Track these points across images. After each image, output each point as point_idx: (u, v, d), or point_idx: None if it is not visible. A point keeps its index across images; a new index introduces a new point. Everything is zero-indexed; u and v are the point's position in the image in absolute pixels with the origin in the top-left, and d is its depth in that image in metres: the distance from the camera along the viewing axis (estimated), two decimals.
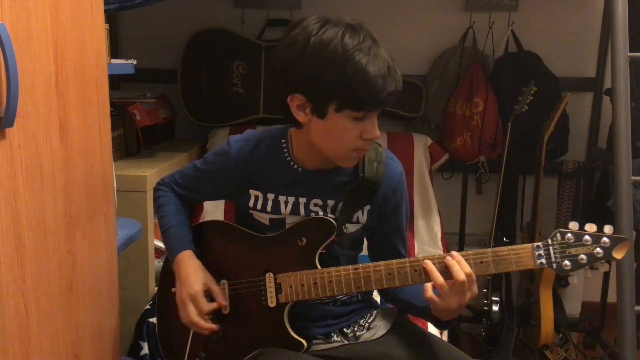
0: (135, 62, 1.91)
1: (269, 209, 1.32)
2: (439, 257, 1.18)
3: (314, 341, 1.35)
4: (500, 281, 2.50)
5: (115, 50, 2.76)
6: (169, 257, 1.37)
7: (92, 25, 1.22)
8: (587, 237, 1.14)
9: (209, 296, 1.31)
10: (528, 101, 2.37)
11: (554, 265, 1.15)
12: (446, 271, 1.16)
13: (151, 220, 1.98)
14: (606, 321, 2.68)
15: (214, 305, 1.30)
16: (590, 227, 1.16)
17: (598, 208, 2.61)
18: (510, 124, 2.41)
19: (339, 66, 1.11)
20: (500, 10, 2.64)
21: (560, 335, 2.48)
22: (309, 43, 1.13)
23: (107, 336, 1.36)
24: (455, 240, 2.72)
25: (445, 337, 1.95)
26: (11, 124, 0.90)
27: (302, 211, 1.31)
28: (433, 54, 2.74)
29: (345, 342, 1.36)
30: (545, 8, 2.67)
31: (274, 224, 1.33)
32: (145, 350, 1.84)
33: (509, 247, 1.17)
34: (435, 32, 2.73)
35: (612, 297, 2.56)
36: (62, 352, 1.13)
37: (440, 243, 2.48)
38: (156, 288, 2.02)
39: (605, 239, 1.14)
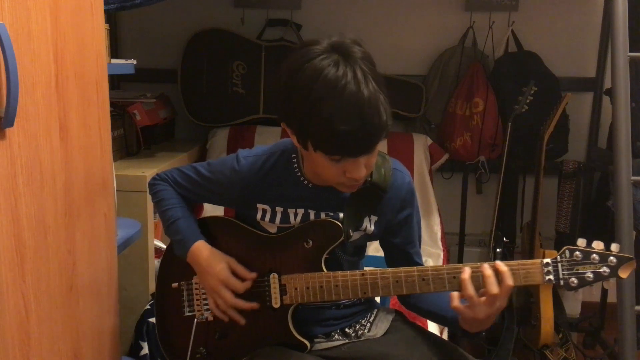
0: (135, 62, 1.91)
1: (277, 221, 1.30)
2: (473, 266, 1.16)
3: (316, 340, 1.35)
4: None
5: (115, 50, 2.76)
6: (178, 250, 1.33)
7: (92, 25, 1.22)
8: (594, 255, 1.14)
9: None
10: (528, 101, 2.37)
11: (562, 282, 1.15)
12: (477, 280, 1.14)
13: (151, 220, 1.98)
14: (606, 321, 2.68)
15: (247, 284, 1.28)
16: (598, 245, 1.16)
17: (598, 208, 2.61)
18: (510, 124, 2.41)
19: (308, 111, 1.07)
20: (500, 10, 2.64)
21: (560, 335, 2.48)
22: (295, 73, 1.09)
23: (107, 336, 1.36)
24: (455, 240, 2.72)
25: (445, 336, 1.94)
26: (11, 124, 0.90)
27: None
28: (433, 54, 2.74)
29: (347, 340, 1.36)
30: (545, 8, 2.66)
31: (282, 231, 1.31)
32: (145, 350, 1.84)
33: (518, 261, 1.17)
34: (435, 32, 2.73)
35: (612, 297, 2.56)
36: (62, 352, 1.13)
37: (440, 243, 2.48)
38: None
39: (612, 257, 1.14)
